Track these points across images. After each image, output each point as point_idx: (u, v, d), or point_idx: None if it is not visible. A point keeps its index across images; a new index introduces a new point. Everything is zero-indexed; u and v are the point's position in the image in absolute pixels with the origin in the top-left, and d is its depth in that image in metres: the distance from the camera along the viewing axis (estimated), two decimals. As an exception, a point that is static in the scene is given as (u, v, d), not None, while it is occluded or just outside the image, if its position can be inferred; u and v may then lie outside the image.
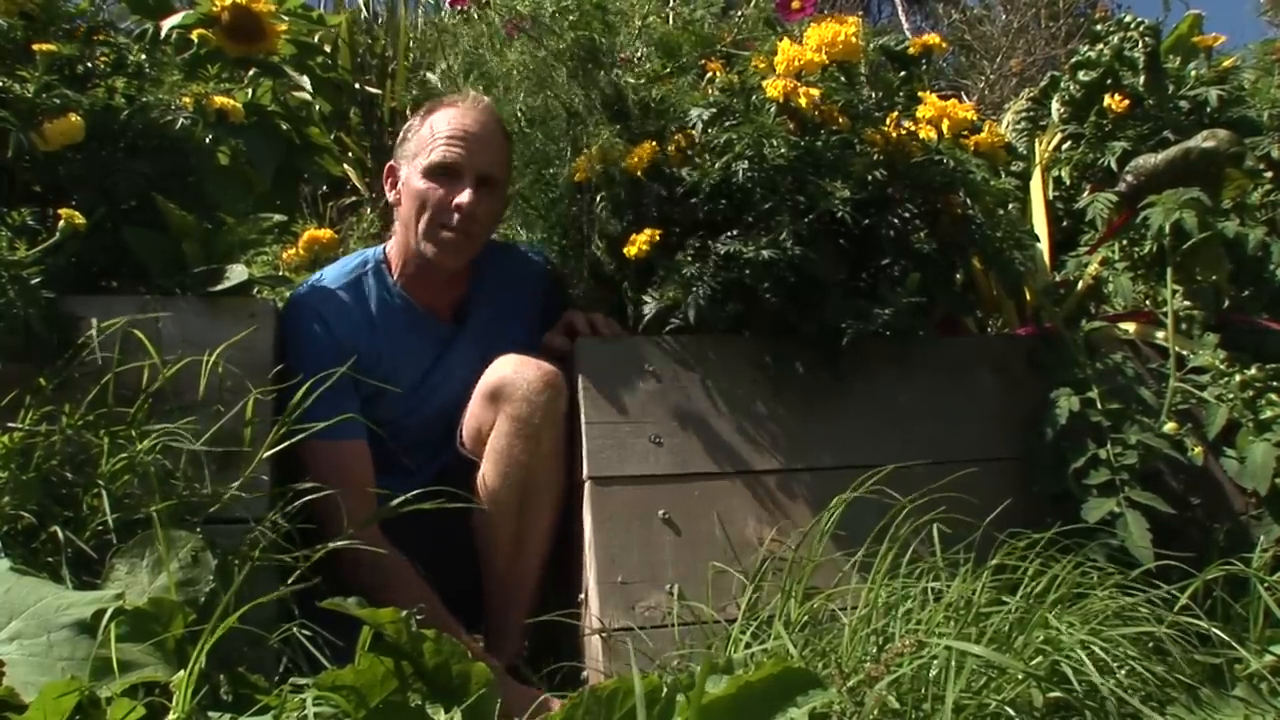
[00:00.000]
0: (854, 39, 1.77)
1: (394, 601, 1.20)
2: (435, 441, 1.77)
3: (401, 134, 1.85)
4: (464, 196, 1.71)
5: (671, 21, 1.98)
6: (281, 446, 1.45)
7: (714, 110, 1.73)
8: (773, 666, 1.04)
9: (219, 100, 1.88)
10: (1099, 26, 2.28)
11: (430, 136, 1.75)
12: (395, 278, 1.80)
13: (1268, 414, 1.70)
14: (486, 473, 1.64)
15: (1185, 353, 1.82)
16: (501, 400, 1.62)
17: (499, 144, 1.79)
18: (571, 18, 1.78)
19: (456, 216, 1.72)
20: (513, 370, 1.63)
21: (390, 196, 1.84)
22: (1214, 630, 1.34)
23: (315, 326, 1.70)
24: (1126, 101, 2.13)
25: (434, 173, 1.73)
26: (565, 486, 1.67)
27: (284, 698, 1.07)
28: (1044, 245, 2.05)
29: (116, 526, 1.29)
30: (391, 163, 1.84)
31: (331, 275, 1.79)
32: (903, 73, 2.06)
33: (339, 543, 1.38)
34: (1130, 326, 1.93)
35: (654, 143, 1.71)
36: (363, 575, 1.49)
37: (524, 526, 1.66)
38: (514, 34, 1.84)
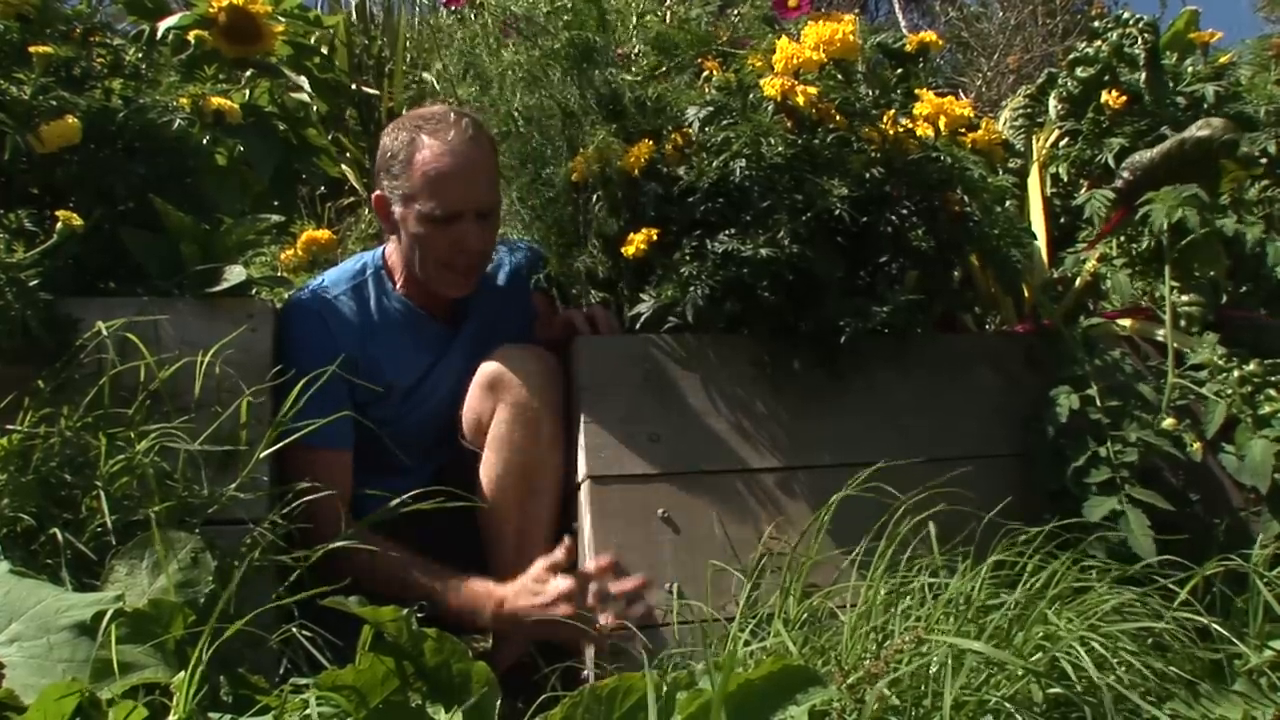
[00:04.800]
0: (851, 37, 1.77)
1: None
2: (431, 442, 1.77)
3: (381, 156, 1.73)
4: (469, 238, 1.68)
5: (668, 20, 1.98)
6: (278, 446, 1.45)
7: (711, 109, 1.73)
8: (773, 664, 1.05)
9: (216, 101, 1.88)
10: (1097, 23, 2.28)
11: (420, 179, 1.67)
12: (396, 283, 1.80)
13: (1266, 410, 1.70)
14: (489, 461, 1.64)
15: (1183, 349, 1.82)
16: (500, 389, 1.62)
17: (489, 169, 1.73)
18: (566, 17, 1.78)
19: (463, 258, 1.70)
20: (509, 359, 1.63)
21: (384, 226, 1.78)
22: (1213, 626, 1.34)
23: (316, 333, 1.70)
24: (1124, 98, 2.13)
25: (432, 221, 1.68)
26: (565, 475, 1.67)
27: (284, 698, 1.07)
28: (1042, 242, 2.05)
29: (116, 528, 1.29)
30: (379, 192, 1.74)
31: (332, 280, 1.79)
32: (900, 70, 2.06)
33: (335, 544, 1.37)
34: (1128, 323, 1.92)
35: (651, 142, 1.71)
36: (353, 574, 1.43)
37: (527, 519, 1.65)
38: (509, 34, 1.84)
